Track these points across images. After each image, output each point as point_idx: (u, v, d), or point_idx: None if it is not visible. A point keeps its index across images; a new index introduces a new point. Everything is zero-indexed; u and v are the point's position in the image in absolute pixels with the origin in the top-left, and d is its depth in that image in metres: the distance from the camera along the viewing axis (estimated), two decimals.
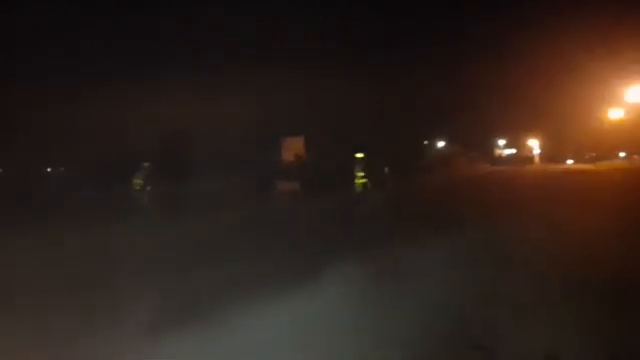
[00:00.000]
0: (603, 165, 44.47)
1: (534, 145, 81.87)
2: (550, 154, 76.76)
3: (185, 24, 43.76)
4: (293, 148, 31.00)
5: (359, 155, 10.23)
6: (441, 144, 52.46)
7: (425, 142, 47.94)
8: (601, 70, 33.77)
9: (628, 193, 17.51)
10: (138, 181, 13.53)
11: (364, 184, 9.99)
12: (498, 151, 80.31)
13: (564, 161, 67.84)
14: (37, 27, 30.80)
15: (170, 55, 43.69)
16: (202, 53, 42.59)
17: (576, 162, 65.89)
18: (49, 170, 23.12)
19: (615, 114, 45.52)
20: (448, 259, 6.82)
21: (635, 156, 39.47)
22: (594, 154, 63.17)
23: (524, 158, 74.02)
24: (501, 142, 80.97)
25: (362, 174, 10.01)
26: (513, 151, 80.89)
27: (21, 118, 25.26)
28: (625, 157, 48.43)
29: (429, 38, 77.27)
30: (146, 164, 13.77)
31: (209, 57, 40.25)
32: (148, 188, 13.54)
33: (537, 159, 77.30)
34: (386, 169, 32.17)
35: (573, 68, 47.05)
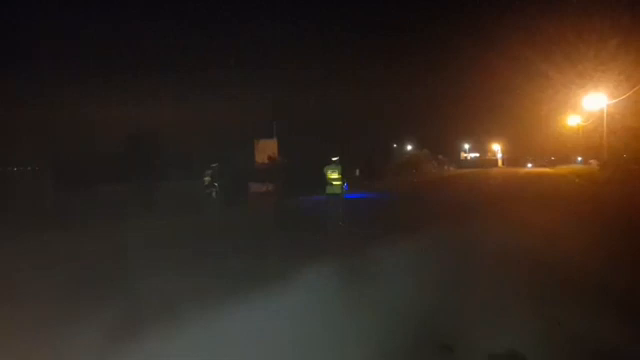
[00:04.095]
0: (561, 168, 46.64)
1: (497, 149, 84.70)
2: (512, 157, 79.56)
3: (161, 28, 43.52)
4: (266, 150, 31.32)
5: (334, 158, 10.71)
6: (409, 148, 53.69)
7: (394, 145, 48.98)
8: (561, 79, 35.54)
9: (580, 189, 21.91)
10: (207, 178, 15.79)
11: (340, 186, 10.49)
12: (463, 155, 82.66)
13: (525, 164, 70.54)
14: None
15: (143, 57, 43.26)
16: (176, 56, 42.42)
17: (536, 165, 68.63)
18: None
19: (573, 121, 47.76)
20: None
21: (591, 160, 41.52)
22: (553, 158, 65.91)
23: (488, 161, 76.47)
24: (466, 146, 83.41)
25: (338, 176, 10.52)
26: (477, 155, 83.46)
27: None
28: (582, 161, 50.78)
29: (400, 49, 79.17)
30: (214, 164, 16.03)
31: (184, 60, 40.19)
32: (216, 184, 15.88)
33: (500, 162, 79.93)
34: (357, 171, 32.90)
35: (534, 77, 49.28)
